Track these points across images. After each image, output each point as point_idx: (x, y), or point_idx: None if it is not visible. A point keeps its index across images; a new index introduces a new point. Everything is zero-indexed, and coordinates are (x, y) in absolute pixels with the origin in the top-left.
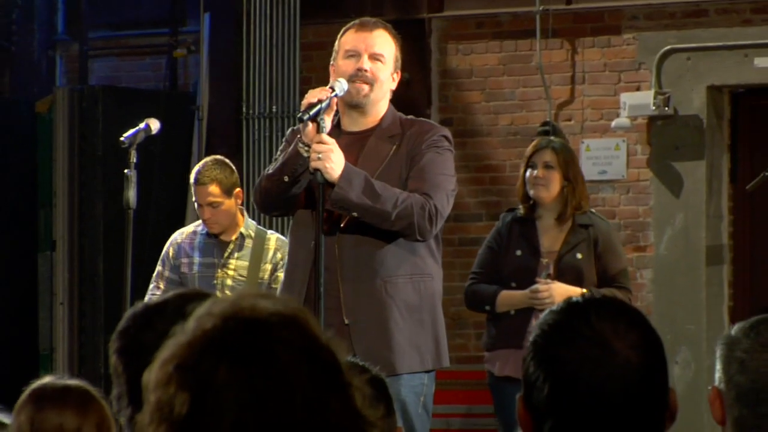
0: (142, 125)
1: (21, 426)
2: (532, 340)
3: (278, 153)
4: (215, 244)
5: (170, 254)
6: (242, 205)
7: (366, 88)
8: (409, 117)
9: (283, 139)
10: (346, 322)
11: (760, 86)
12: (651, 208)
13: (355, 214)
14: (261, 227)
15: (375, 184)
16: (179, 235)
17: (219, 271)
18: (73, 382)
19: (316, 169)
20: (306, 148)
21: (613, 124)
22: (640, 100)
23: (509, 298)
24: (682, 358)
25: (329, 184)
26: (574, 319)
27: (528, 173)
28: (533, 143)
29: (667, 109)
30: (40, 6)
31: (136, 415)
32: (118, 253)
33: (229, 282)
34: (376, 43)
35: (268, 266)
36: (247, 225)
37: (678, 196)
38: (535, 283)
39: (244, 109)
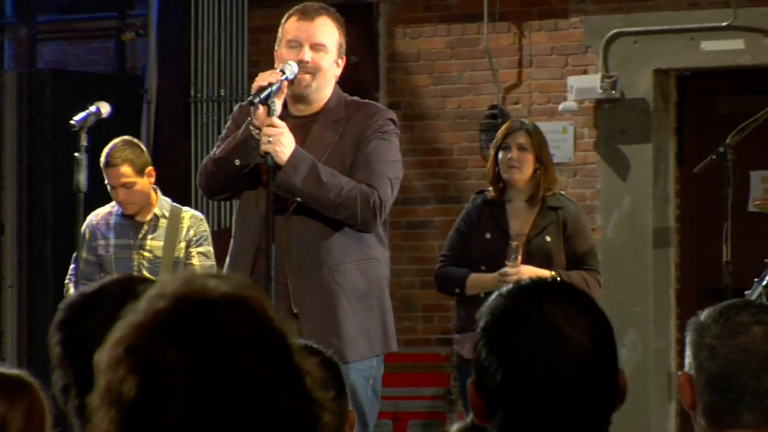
0: (92, 108)
1: None
2: (482, 326)
3: (224, 132)
4: (130, 224)
5: (86, 236)
6: (155, 183)
7: (308, 77)
8: (354, 98)
9: (229, 117)
10: (294, 311)
11: (707, 69)
12: (598, 191)
13: (298, 199)
14: (176, 204)
15: (322, 171)
16: (94, 217)
17: (135, 252)
18: (13, 372)
19: (267, 153)
20: (257, 131)
21: (560, 107)
22: (587, 83)
23: (479, 280)
24: (629, 341)
25: (279, 167)
26: (526, 305)
27: (501, 155)
28: (505, 125)
29: (614, 92)
30: None
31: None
32: (67, 236)
33: (145, 263)
34: (318, 32)
35: (182, 244)
36: (161, 204)
37: (625, 179)
38: (504, 266)
39: (192, 93)
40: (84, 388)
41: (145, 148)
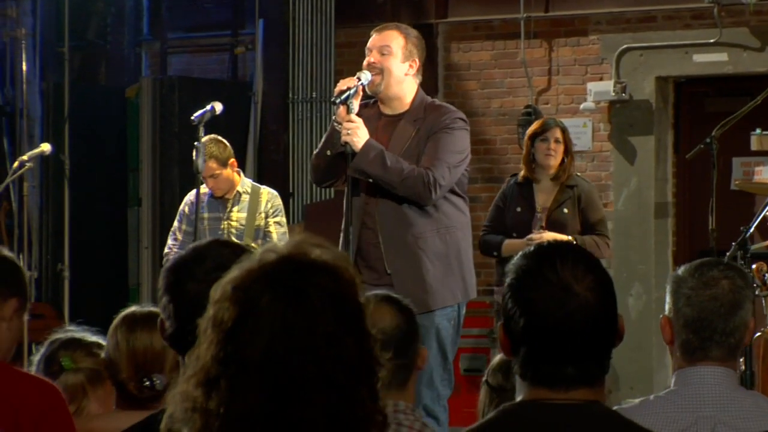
0: (208, 107)
1: (118, 344)
2: (508, 282)
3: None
4: (219, 201)
5: (185, 211)
6: (237, 167)
7: (377, 78)
8: (434, 100)
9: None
10: (388, 271)
11: (698, 77)
12: (611, 173)
13: (370, 180)
14: (256, 183)
15: (388, 157)
16: (191, 196)
17: (224, 222)
18: (156, 309)
19: (346, 142)
20: (339, 126)
21: (581, 106)
22: (603, 88)
23: (511, 245)
24: (635, 291)
25: (352, 152)
26: (542, 266)
27: (538, 144)
28: (539, 121)
29: (624, 95)
30: (129, 13)
31: (176, 330)
32: None
33: (233, 231)
34: (383, 39)
35: (262, 215)
36: (243, 183)
37: (632, 164)
38: (531, 233)
39: (290, 95)
40: (179, 317)
41: (227, 144)
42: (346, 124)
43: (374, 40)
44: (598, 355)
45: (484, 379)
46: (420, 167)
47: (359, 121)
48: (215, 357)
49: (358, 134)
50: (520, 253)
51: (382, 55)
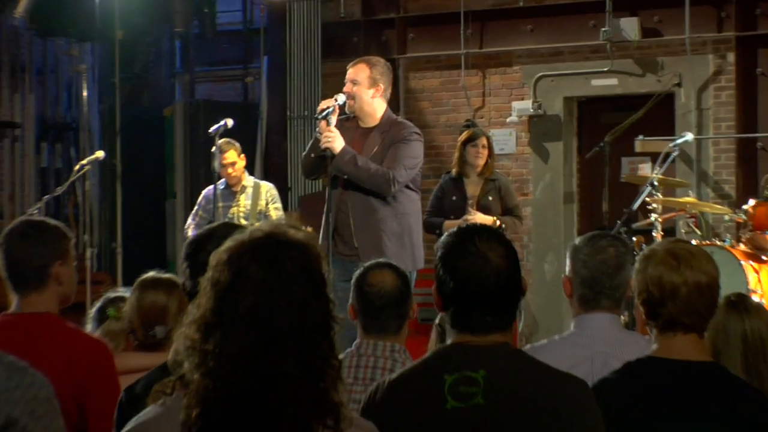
0: (222, 122)
1: (131, 303)
2: (439, 255)
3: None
4: (230, 192)
5: (202, 202)
6: (246, 167)
7: (351, 102)
8: (397, 118)
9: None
10: (356, 245)
11: (595, 97)
12: (530, 170)
13: (345, 176)
14: (258, 180)
15: (359, 159)
16: (207, 190)
17: (233, 208)
18: (165, 275)
19: (326, 148)
20: (320, 135)
21: (507, 120)
22: (524, 105)
23: (450, 225)
24: (549, 259)
25: (332, 155)
26: (465, 241)
27: (468, 149)
28: (468, 131)
29: (539, 111)
30: (166, 52)
31: (192, 288)
32: None
33: (241, 214)
34: (353, 73)
35: (263, 202)
36: (248, 179)
37: (546, 163)
38: (464, 214)
39: (288, 113)
40: (194, 277)
41: (236, 143)
42: (326, 134)
43: (349, 73)
44: (508, 307)
45: (436, 322)
46: (383, 168)
47: (336, 132)
48: (212, 309)
49: (336, 142)
50: (447, 232)
51: (354, 84)
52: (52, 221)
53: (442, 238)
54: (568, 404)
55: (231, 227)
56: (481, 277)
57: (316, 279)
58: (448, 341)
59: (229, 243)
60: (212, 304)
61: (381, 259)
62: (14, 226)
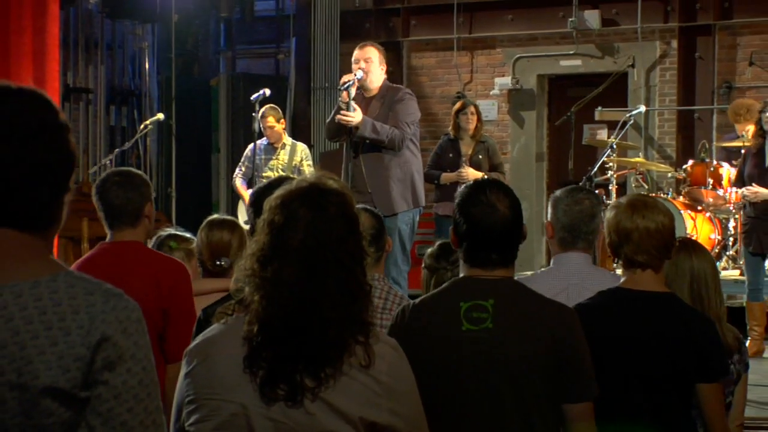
0: (260, 91)
1: (201, 239)
2: (457, 202)
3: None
4: (272, 148)
5: (247, 154)
6: (285, 129)
7: (365, 76)
8: (391, 84)
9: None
10: (369, 190)
11: (563, 75)
12: (509, 134)
13: (367, 140)
14: (294, 140)
15: (377, 125)
16: (252, 145)
17: (273, 161)
18: (228, 217)
19: (347, 121)
20: (342, 104)
21: (491, 92)
22: (504, 81)
23: (446, 177)
24: (524, 207)
25: (355, 127)
26: (477, 193)
27: (461, 117)
28: (460, 102)
29: (518, 86)
30: (212, 32)
31: (253, 227)
32: None
33: (279, 167)
34: (366, 53)
35: (298, 158)
36: (287, 138)
37: (522, 128)
38: (459, 168)
39: (312, 85)
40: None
41: (279, 109)
42: (348, 116)
43: (359, 53)
44: (511, 248)
45: (423, 266)
46: (393, 128)
47: (358, 109)
48: (269, 243)
49: (357, 117)
50: (465, 185)
51: (367, 63)
52: (136, 170)
53: (461, 188)
54: (560, 327)
55: (285, 179)
56: (489, 222)
57: (352, 219)
58: (461, 274)
59: (279, 191)
60: (269, 240)
61: (359, 205)
62: (108, 176)
